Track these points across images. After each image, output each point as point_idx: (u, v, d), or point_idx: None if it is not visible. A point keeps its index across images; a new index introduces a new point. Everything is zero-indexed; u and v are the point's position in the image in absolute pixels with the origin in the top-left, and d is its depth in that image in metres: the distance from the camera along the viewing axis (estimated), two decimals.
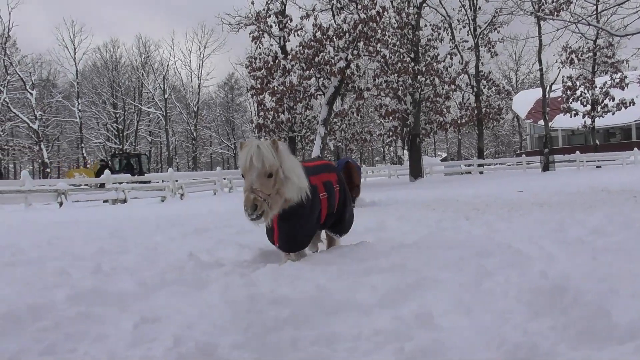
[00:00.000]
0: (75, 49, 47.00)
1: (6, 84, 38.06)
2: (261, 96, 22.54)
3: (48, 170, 40.04)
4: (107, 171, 18.96)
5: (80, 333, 2.20)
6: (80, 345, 2.09)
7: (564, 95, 31.13)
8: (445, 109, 27.26)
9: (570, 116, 31.07)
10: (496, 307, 2.29)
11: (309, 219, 3.73)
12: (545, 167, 28.33)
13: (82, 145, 47.98)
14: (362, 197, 10.87)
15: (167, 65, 54.30)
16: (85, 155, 47.84)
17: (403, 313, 2.27)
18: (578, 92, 30.59)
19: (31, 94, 38.05)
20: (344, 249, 4.31)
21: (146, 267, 3.65)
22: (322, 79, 21.21)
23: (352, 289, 2.65)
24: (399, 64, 22.13)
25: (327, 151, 25.15)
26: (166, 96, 52.13)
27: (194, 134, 55.00)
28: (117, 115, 52.40)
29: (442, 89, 25.89)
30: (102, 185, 17.31)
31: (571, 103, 30.92)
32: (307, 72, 20.58)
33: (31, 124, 38.05)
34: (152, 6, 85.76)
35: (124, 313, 2.49)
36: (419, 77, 24.11)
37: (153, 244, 5.47)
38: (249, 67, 22.92)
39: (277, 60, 21.28)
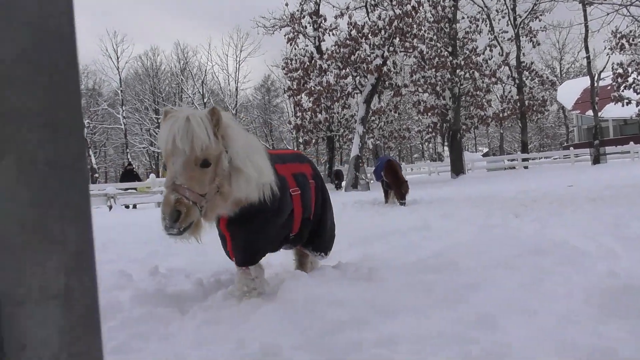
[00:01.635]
0: (118, 58, 48.87)
1: None
2: (298, 97, 22.70)
3: (96, 175, 41.80)
4: (152, 175, 19.60)
5: (146, 333, 2.29)
6: (147, 345, 2.17)
7: (614, 83, 29.65)
8: (486, 103, 26.58)
9: (622, 105, 29.56)
10: (561, 308, 2.21)
11: (274, 223, 2.68)
12: (596, 160, 27.07)
13: (127, 150, 49.80)
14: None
15: (205, 70, 55.57)
16: (130, 159, 49.64)
17: (462, 314, 2.22)
18: (630, 79, 29.04)
19: None
20: (392, 251, 4.27)
21: (199, 269, 3.74)
22: (358, 77, 21.15)
23: (407, 289, 2.63)
24: (437, 58, 21.78)
25: (365, 149, 25.04)
26: (205, 100, 53.36)
27: None
28: (159, 121, 53.96)
29: (482, 82, 25.26)
30: None
31: (623, 91, 29.42)
32: (344, 71, 20.56)
33: None
34: (189, 13, 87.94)
35: (185, 314, 2.57)
36: (457, 71, 23.60)
37: (202, 245, 5.60)
38: (285, 69, 23.14)
39: (313, 61, 21.38)
